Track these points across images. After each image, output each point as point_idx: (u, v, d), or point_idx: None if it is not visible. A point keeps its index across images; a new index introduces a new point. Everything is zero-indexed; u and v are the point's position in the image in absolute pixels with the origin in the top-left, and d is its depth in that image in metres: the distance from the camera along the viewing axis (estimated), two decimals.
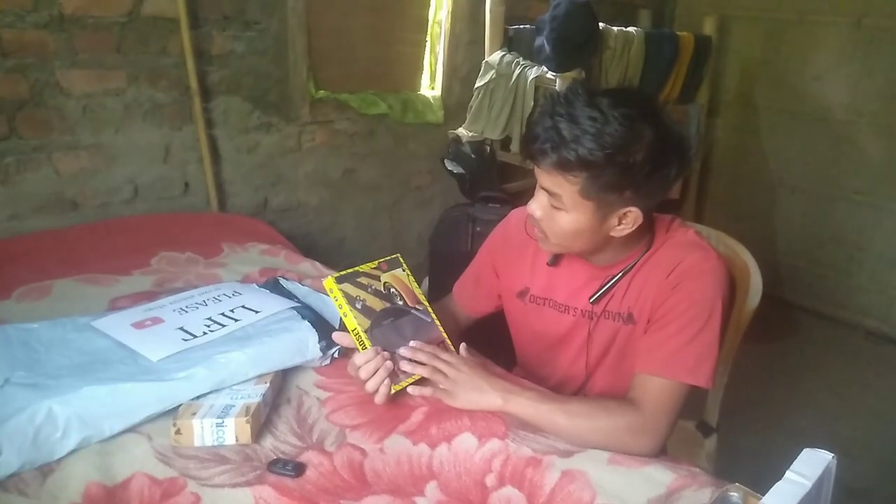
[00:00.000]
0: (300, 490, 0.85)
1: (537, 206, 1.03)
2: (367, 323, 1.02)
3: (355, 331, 1.00)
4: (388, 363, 0.99)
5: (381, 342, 1.02)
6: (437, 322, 1.13)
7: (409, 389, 1.02)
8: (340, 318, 1.03)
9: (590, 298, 1.12)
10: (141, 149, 1.95)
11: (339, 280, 1.02)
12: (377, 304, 1.05)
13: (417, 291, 1.14)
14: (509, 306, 1.26)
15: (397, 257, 1.15)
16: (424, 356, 1.03)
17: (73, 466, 0.86)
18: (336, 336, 1.08)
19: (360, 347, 1.00)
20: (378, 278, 1.09)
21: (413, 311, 1.11)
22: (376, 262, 1.11)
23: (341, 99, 2.35)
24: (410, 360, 1.03)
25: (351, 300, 1.01)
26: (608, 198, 0.97)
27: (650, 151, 0.94)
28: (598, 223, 1.00)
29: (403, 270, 1.14)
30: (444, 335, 1.13)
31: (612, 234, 1.02)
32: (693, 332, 1.01)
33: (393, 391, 1.00)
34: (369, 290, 1.06)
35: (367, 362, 0.99)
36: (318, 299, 1.29)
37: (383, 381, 0.98)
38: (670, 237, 1.10)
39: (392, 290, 1.10)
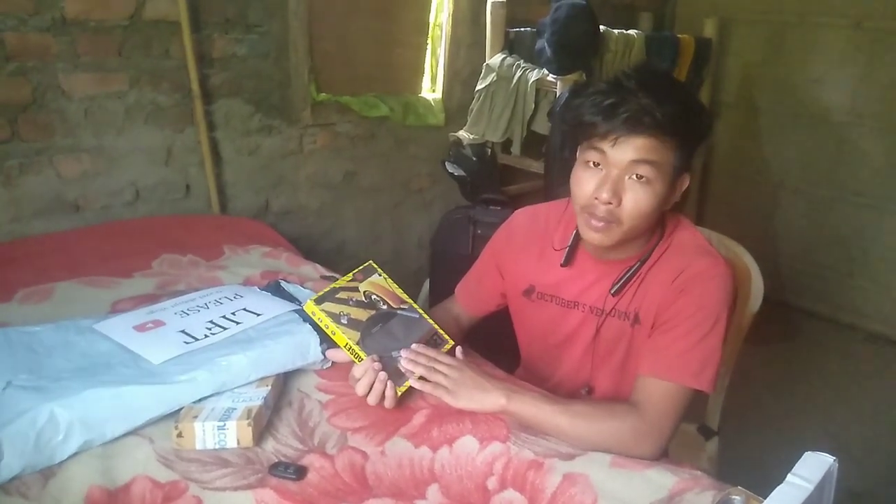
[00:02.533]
0: (302, 493, 0.85)
1: (612, 191, 0.97)
2: (357, 335, 1.02)
3: (347, 345, 1.00)
4: (382, 374, 0.99)
5: (376, 349, 1.02)
6: (426, 316, 1.14)
7: (413, 383, 1.02)
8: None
9: (611, 290, 1.10)
10: (142, 151, 1.95)
11: (319, 301, 1.02)
12: (362, 315, 1.06)
13: (399, 291, 1.14)
14: (515, 305, 1.26)
15: (370, 264, 1.15)
16: (424, 360, 1.03)
17: (74, 470, 0.86)
18: (330, 353, 1.09)
19: (355, 360, 1.01)
20: (356, 289, 1.09)
21: (399, 311, 1.11)
22: (351, 275, 1.11)
23: (342, 101, 2.36)
24: (412, 363, 1.03)
25: (335, 318, 1.01)
26: (683, 162, 1.00)
27: (707, 112, 1.01)
28: (670, 192, 1.02)
29: (379, 275, 1.14)
30: (436, 326, 1.14)
31: (667, 206, 1.04)
32: (698, 336, 1.01)
33: (399, 393, 1.01)
34: (350, 302, 1.06)
35: (364, 373, 0.99)
36: None
37: (384, 388, 0.99)
38: (678, 236, 1.10)
39: (373, 296, 1.10)
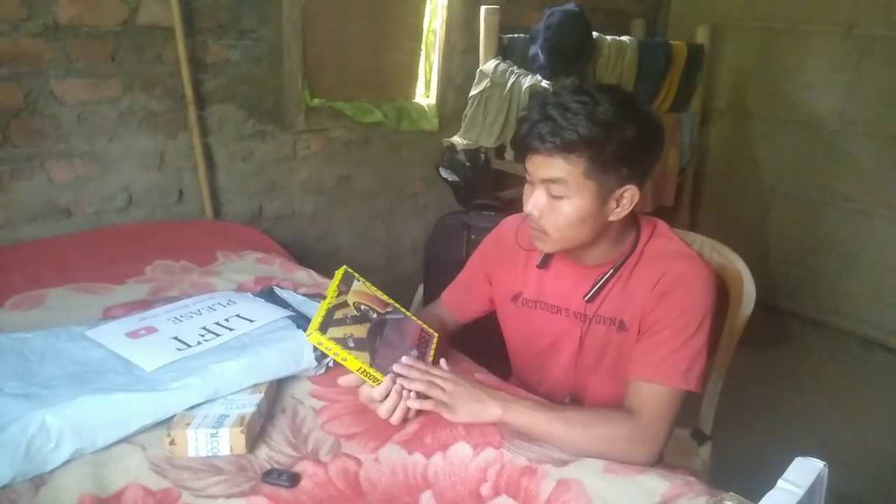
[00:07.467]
0: (295, 500, 0.85)
1: (533, 204, 1.04)
2: (367, 356, 1.00)
3: (360, 369, 0.98)
4: (405, 393, 0.99)
5: (387, 366, 1.01)
6: (409, 314, 1.15)
7: (410, 403, 1.00)
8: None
9: (584, 297, 1.12)
10: (135, 157, 1.95)
11: (322, 329, 0.99)
12: (362, 331, 1.04)
13: (379, 293, 1.15)
14: (503, 311, 1.27)
15: (346, 270, 1.14)
16: (417, 373, 1.02)
17: (65, 478, 0.86)
18: (342, 381, 1.06)
19: (372, 383, 0.99)
20: (345, 303, 1.08)
21: (388, 317, 1.11)
22: (335, 289, 1.09)
23: (336, 107, 2.36)
24: (409, 382, 1.01)
25: (343, 343, 0.99)
26: (608, 177, 1.00)
27: (641, 128, 1.00)
28: (600, 206, 1.03)
29: (358, 280, 1.14)
30: (421, 323, 1.14)
31: (611, 217, 1.05)
32: (685, 338, 1.02)
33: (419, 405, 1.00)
34: (348, 320, 1.04)
35: (387, 395, 0.99)
36: (312, 308, 1.29)
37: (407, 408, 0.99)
38: (655, 241, 1.11)
39: (362, 306, 1.10)
